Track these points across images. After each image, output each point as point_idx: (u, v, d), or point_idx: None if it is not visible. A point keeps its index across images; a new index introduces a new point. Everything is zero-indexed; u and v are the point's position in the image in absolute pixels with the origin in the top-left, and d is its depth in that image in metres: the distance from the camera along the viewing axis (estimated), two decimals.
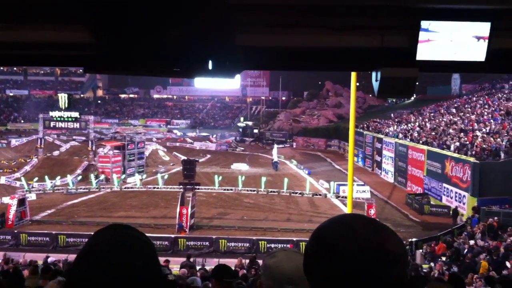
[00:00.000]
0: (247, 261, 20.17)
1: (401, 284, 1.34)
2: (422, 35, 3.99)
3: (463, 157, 32.18)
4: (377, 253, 1.32)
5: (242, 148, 71.49)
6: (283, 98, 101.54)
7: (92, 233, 1.47)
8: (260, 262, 19.67)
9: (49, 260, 18.88)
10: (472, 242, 22.63)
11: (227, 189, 34.99)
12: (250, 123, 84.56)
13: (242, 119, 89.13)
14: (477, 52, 4.14)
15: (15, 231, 28.46)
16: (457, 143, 35.22)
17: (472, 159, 30.95)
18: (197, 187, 32.38)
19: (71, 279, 1.37)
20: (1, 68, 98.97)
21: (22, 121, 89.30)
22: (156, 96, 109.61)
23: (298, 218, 32.63)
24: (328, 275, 1.35)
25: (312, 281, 1.40)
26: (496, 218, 25.70)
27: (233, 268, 15.85)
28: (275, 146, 59.36)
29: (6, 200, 34.28)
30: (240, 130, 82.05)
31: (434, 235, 26.55)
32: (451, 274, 10.51)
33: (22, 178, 41.32)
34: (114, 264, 1.32)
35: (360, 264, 1.31)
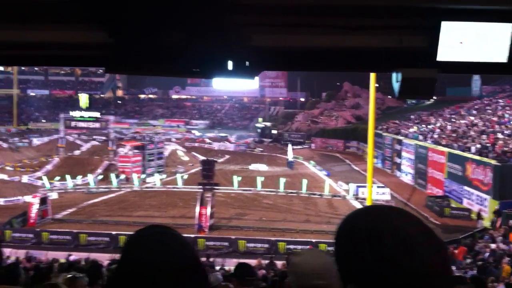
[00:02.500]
0: (266, 261, 20.20)
1: None
2: (442, 36, 3.97)
3: (484, 159, 31.78)
4: (439, 275, 1.19)
5: (261, 149, 71.50)
6: (301, 99, 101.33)
7: (132, 233, 1.49)
8: (278, 263, 19.72)
9: (71, 258, 19.13)
10: (493, 245, 22.35)
11: (246, 190, 35.08)
12: (268, 123, 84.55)
13: (260, 119, 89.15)
14: (499, 53, 4.10)
15: (37, 230, 28.85)
16: (478, 145, 34.81)
17: (493, 162, 30.56)
18: (216, 187, 32.49)
19: (117, 278, 1.36)
20: (22, 68, 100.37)
21: (44, 121, 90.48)
22: (174, 96, 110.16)
23: (316, 219, 32.53)
24: (349, 271, 1.25)
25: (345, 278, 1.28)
26: None
27: None
28: (290, 146, 59.48)
29: (28, 198, 34.79)
30: (258, 130, 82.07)
31: (454, 238, 26.29)
32: (473, 276, 10.39)
33: (44, 177, 41.89)
34: (158, 262, 1.33)
35: (419, 284, 1.18)
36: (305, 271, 2.20)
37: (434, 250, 1.22)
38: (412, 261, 1.19)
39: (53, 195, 36.68)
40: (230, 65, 4.37)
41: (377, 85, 26.76)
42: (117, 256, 22.38)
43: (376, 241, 1.21)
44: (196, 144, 71.55)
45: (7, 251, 22.34)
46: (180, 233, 1.49)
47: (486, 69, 4.31)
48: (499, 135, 36.32)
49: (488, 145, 34.29)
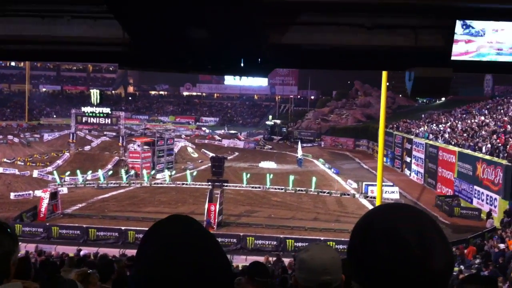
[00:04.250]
0: (274, 258, 20.20)
1: None
2: (457, 35, 3.96)
3: (495, 159, 31.58)
4: (416, 268, 1.20)
5: (270, 147, 71.48)
6: (312, 97, 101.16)
7: (152, 226, 1.35)
8: (285, 260, 19.71)
9: (81, 253, 19.24)
10: (502, 245, 22.22)
11: (255, 187, 35.07)
12: (278, 121, 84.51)
13: (270, 117, 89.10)
14: None
15: (47, 224, 29.00)
16: (489, 145, 34.57)
17: (504, 162, 30.34)
18: (225, 184, 32.53)
19: (139, 278, 1.26)
20: (35, 63, 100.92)
21: (55, 116, 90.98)
22: (185, 93, 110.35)
23: (325, 217, 32.48)
24: (362, 268, 1.28)
25: (352, 266, 1.32)
26: None
27: None
28: (299, 143, 59.48)
29: (38, 193, 35.00)
30: (268, 128, 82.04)
31: (464, 238, 26.16)
32: (485, 277, 10.33)
33: (55, 172, 42.12)
34: (189, 263, 1.23)
35: (394, 275, 1.21)
36: (313, 267, 2.18)
37: (449, 252, 1.26)
38: (432, 261, 1.21)
39: (64, 190, 36.89)
40: (242, 62, 4.38)
41: (388, 84, 26.63)
42: (126, 251, 22.42)
43: (395, 241, 1.23)
44: (206, 141, 71.64)
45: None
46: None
47: (500, 68, 4.28)
48: (511, 135, 36.03)
49: (499, 145, 34.05)
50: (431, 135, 45.48)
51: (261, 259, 19.93)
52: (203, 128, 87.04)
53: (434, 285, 1.21)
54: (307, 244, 24.57)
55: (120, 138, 53.14)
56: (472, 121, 46.48)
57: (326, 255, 2.22)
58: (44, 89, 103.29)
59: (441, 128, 47.17)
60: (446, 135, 42.99)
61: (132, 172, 45.14)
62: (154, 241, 1.29)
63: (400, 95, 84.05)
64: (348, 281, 2.52)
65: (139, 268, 1.28)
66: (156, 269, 1.23)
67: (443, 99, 73.51)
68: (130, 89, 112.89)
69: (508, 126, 39.19)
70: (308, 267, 2.19)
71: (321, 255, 2.21)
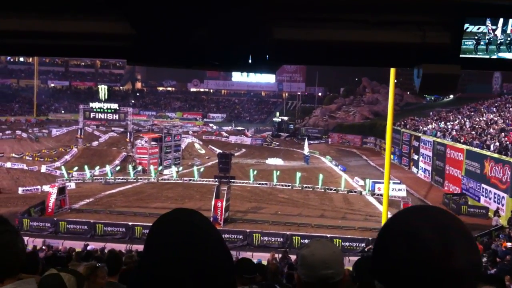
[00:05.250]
0: (280, 255, 20.23)
1: None
2: (466, 32, 3.93)
3: (503, 157, 31.40)
4: (437, 268, 1.16)
5: (277, 143, 71.44)
6: (319, 94, 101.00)
7: (157, 221, 1.34)
8: (292, 257, 19.73)
9: (89, 248, 19.35)
10: (509, 244, 22.11)
11: (262, 184, 35.07)
12: (285, 118, 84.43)
13: (277, 114, 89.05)
14: None
15: (55, 219, 29.17)
16: (497, 143, 34.38)
17: None
18: (232, 180, 32.56)
19: (142, 276, 1.26)
20: (43, 59, 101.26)
21: (63, 112, 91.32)
22: (193, 89, 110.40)
23: (332, 214, 32.46)
24: (382, 270, 1.25)
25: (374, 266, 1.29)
26: None
27: (266, 262, 15.88)
28: (306, 140, 59.45)
29: (46, 188, 35.21)
30: (276, 125, 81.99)
31: None
32: (491, 275, 10.29)
33: (62, 167, 42.32)
34: (191, 260, 1.23)
35: (415, 276, 1.18)
36: (314, 262, 2.20)
37: (474, 251, 1.22)
38: (453, 262, 1.18)
39: (71, 185, 37.08)
40: (250, 59, 4.36)
41: (396, 80, 26.49)
42: (133, 246, 22.47)
43: (415, 240, 1.20)
44: (213, 137, 71.71)
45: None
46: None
47: (510, 65, 4.25)
48: None
49: (507, 143, 33.86)
50: (439, 132, 45.29)
51: (267, 255, 19.99)
52: (210, 125, 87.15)
53: (457, 285, 1.18)
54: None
55: (128, 134, 53.36)
56: (480, 119, 46.24)
57: (326, 251, 2.25)
58: (52, 85, 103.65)
59: (449, 126, 46.95)
60: (454, 133, 42.80)
61: (140, 168, 45.30)
62: (158, 238, 1.29)
63: (408, 92, 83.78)
64: (354, 278, 2.51)
65: (142, 266, 1.29)
66: (158, 268, 1.23)
67: (451, 96, 73.19)
68: (138, 85, 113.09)
69: None
70: (308, 262, 2.22)
71: (321, 251, 2.23)
